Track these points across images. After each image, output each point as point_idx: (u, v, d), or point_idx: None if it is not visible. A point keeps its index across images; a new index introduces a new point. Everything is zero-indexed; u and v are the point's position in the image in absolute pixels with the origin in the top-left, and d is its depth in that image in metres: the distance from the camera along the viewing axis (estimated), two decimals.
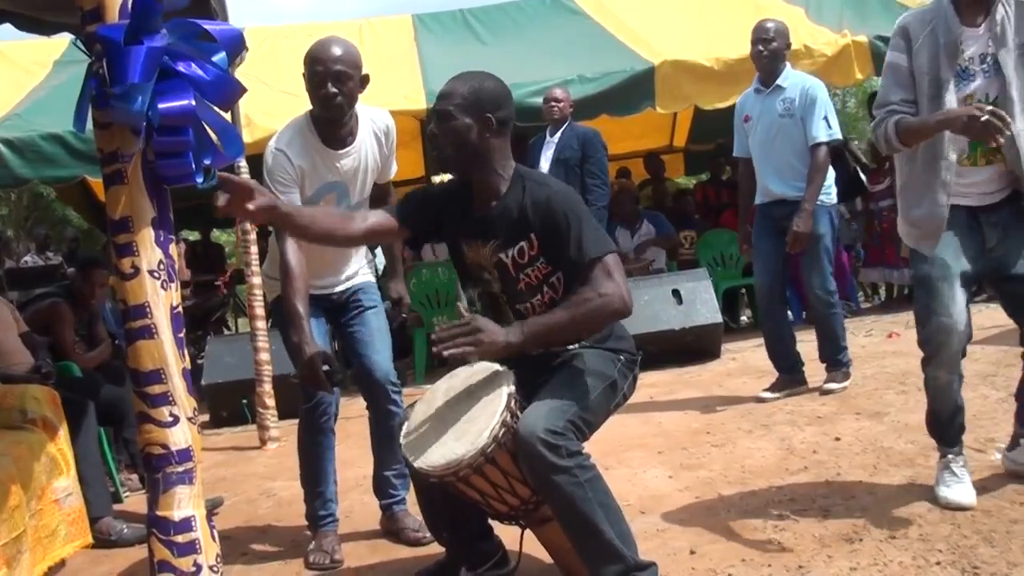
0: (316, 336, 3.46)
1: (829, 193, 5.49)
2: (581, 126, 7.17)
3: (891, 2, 9.23)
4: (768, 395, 5.45)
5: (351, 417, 5.35)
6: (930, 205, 3.29)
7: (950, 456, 3.41)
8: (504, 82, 2.99)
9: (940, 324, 3.24)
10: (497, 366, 2.89)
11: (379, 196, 3.94)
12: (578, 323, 2.77)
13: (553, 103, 7.06)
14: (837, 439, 4.41)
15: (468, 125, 2.86)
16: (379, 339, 3.82)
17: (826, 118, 5.33)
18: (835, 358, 5.50)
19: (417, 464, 2.75)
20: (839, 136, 5.48)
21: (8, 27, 4.51)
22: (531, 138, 7.36)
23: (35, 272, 10.60)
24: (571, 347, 2.96)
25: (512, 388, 2.79)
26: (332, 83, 3.49)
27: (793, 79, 5.47)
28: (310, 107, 3.66)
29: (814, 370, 5.58)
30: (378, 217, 3.05)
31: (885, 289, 10.49)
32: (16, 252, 14.53)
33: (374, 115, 3.81)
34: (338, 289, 3.87)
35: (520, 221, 2.88)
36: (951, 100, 3.24)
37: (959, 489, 3.33)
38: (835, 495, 3.66)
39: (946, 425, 3.44)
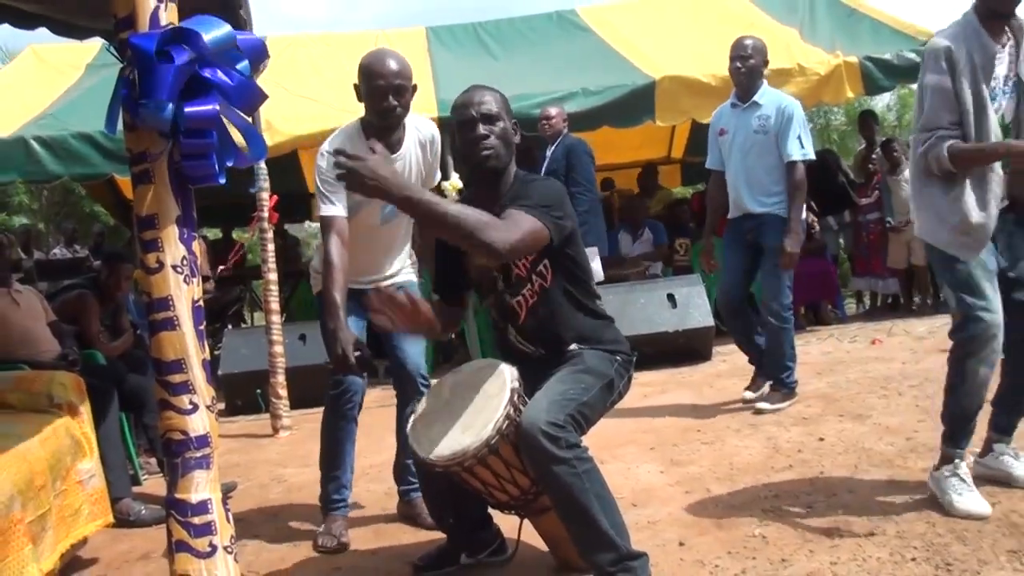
0: (353, 327, 3.51)
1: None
2: (571, 137, 7.18)
3: (881, 25, 9.24)
4: (751, 395, 5.41)
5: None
6: (985, 216, 3.24)
7: (956, 461, 3.34)
8: None
9: (991, 320, 3.20)
10: (502, 363, 2.91)
11: None
12: (451, 221, 2.60)
13: (544, 121, 7.10)
14: (821, 439, 4.42)
15: (509, 127, 2.98)
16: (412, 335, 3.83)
17: (800, 137, 5.23)
18: (778, 376, 5.28)
19: (423, 455, 2.77)
20: (812, 156, 5.34)
21: (43, 31, 4.53)
22: (536, 150, 7.38)
23: (63, 264, 10.63)
24: (572, 347, 2.98)
25: (516, 383, 2.80)
26: (393, 96, 3.53)
27: (769, 96, 5.37)
28: (361, 115, 3.71)
29: (805, 372, 5.58)
30: (446, 315, 3.16)
31: (870, 298, 10.49)
32: (46, 245, 14.56)
33: (419, 124, 3.85)
34: (382, 285, 3.88)
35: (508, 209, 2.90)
36: (992, 117, 3.22)
37: (972, 498, 3.25)
38: (818, 493, 3.66)
39: (966, 423, 3.37)
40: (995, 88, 3.25)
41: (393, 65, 3.54)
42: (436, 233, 2.93)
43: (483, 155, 2.92)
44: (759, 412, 5.09)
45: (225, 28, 2.33)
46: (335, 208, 3.55)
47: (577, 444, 2.69)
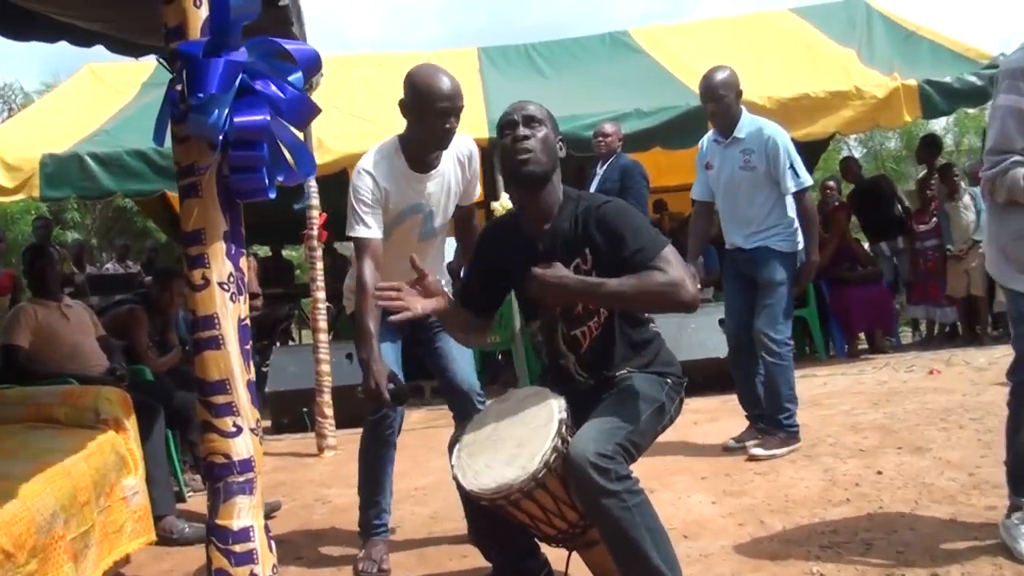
0: (388, 355, 3.47)
1: (792, 239, 5.11)
2: (626, 157, 7.10)
3: (940, 48, 9.13)
4: (735, 444, 5.15)
5: (404, 430, 5.32)
6: None
7: None
8: None
9: None
10: (548, 392, 2.82)
11: (464, 217, 3.96)
12: (641, 296, 2.66)
13: (600, 138, 7.01)
14: (879, 472, 4.28)
15: (553, 135, 2.89)
16: (460, 352, 3.77)
17: (792, 167, 4.99)
18: (776, 418, 4.98)
19: (468, 487, 2.68)
20: (809, 182, 5.11)
21: (100, 48, 4.59)
22: (588, 169, 7.32)
23: (115, 279, 10.75)
24: (620, 372, 2.89)
25: (564, 413, 2.71)
26: (455, 118, 3.48)
27: (750, 127, 5.09)
28: (399, 133, 3.64)
29: (860, 402, 5.44)
30: (477, 324, 3.11)
31: (926, 326, 10.28)
32: (99, 260, 14.75)
33: (457, 140, 3.75)
34: None
35: (574, 238, 2.83)
36: None
37: None
38: (877, 529, 3.55)
39: None
40: None
41: (452, 86, 3.47)
42: (626, 309, 2.86)
43: (520, 157, 2.80)
44: (753, 458, 4.83)
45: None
46: (370, 230, 3.48)
47: (628, 476, 2.60)
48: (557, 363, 2.98)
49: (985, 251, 3.38)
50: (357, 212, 3.48)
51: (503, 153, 2.88)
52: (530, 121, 2.84)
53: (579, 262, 2.82)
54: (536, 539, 2.95)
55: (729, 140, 5.13)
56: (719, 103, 5.10)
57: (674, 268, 2.66)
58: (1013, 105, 3.07)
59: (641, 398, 2.81)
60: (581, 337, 2.92)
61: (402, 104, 3.53)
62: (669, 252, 2.70)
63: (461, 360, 3.77)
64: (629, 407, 2.76)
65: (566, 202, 2.90)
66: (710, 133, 5.41)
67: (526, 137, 2.81)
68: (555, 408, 2.72)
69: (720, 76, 5.14)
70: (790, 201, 5.07)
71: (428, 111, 3.44)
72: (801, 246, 5.14)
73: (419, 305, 2.82)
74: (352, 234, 3.50)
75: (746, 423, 5.29)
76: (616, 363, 2.92)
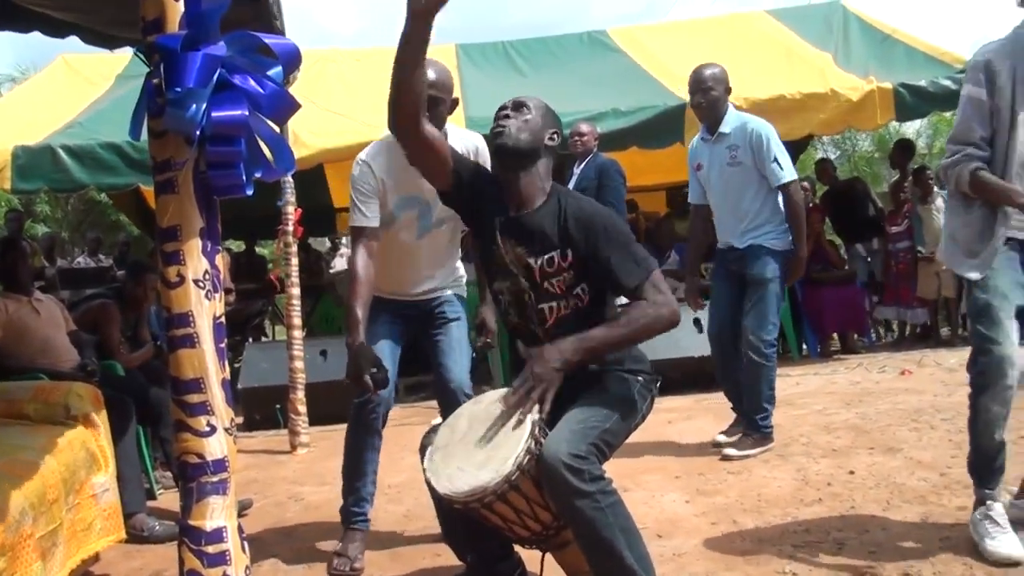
0: (383, 349, 3.53)
1: (784, 236, 5.11)
2: (603, 156, 7.09)
3: (915, 51, 9.18)
4: (724, 439, 5.16)
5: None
6: (989, 235, 3.18)
7: (988, 503, 3.23)
8: None
9: (1002, 354, 3.11)
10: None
11: None
12: (636, 336, 2.78)
13: (577, 137, 7.00)
14: (852, 472, 4.32)
15: (540, 124, 2.92)
16: (458, 350, 3.79)
17: (776, 160, 4.99)
18: (752, 417, 5.00)
19: (441, 490, 2.66)
20: (794, 176, 5.09)
21: (74, 39, 4.53)
22: (567, 167, 7.31)
23: (87, 273, 10.64)
24: (591, 368, 2.89)
25: (536, 415, 2.70)
26: (443, 107, 3.55)
27: (735, 123, 5.12)
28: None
29: (833, 402, 5.47)
30: (440, 139, 2.98)
31: (898, 327, 10.36)
32: (70, 254, 14.62)
33: (465, 136, 3.80)
34: (426, 296, 3.86)
35: (555, 234, 2.83)
36: (1020, 139, 3.13)
37: (1007, 541, 3.12)
38: (849, 529, 3.57)
39: (989, 462, 3.25)
40: None
41: (439, 75, 3.52)
42: (620, 350, 2.89)
43: (495, 131, 2.89)
44: (726, 458, 4.83)
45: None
46: (367, 219, 3.54)
47: (601, 476, 2.60)
48: (526, 326, 2.98)
49: (944, 248, 3.45)
50: (355, 201, 3.56)
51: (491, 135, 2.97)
52: (519, 106, 2.92)
53: (555, 256, 2.83)
54: (510, 541, 2.95)
55: (715, 136, 5.15)
56: (707, 95, 5.12)
57: (660, 296, 2.74)
58: (972, 95, 3.19)
59: (612, 397, 2.82)
60: (547, 312, 2.91)
61: None
62: (657, 277, 2.78)
63: (457, 357, 3.76)
64: (601, 406, 2.76)
65: (552, 196, 2.91)
66: (698, 134, 5.42)
67: (507, 116, 2.89)
68: (528, 410, 2.71)
69: (710, 70, 5.18)
70: (779, 199, 5.10)
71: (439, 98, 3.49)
72: (788, 245, 5.14)
73: None
74: (350, 222, 3.58)
75: (720, 423, 5.31)
76: None
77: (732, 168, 5.08)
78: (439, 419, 2.99)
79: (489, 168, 3.64)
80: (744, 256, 5.09)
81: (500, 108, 2.95)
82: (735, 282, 5.18)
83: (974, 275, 3.20)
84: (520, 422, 2.67)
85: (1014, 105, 3.12)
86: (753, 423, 5.00)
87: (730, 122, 5.13)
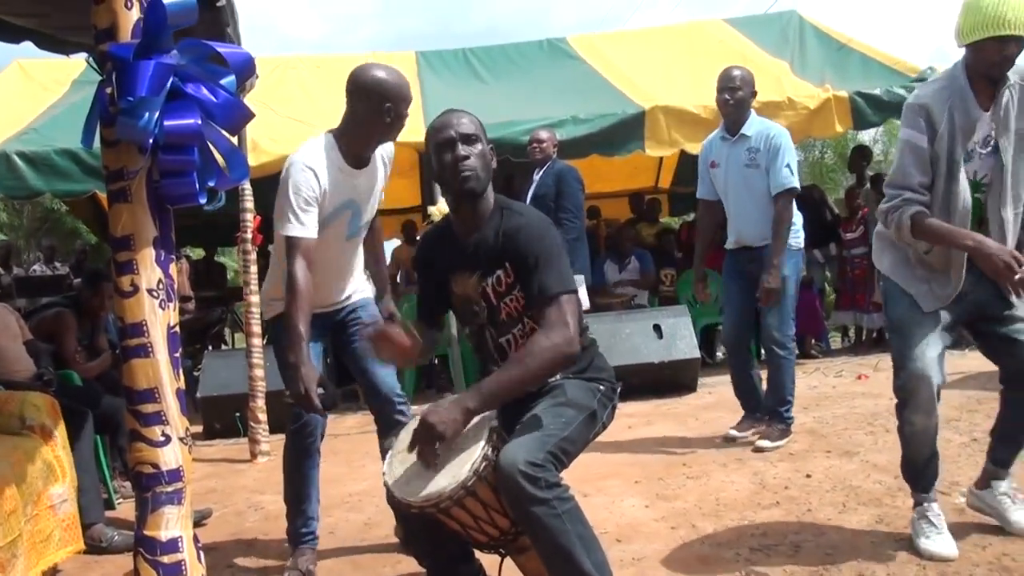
0: (312, 358, 3.36)
1: (797, 236, 5.29)
2: (561, 163, 7.12)
3: (871, 60, 9.28)
4: (736, 433, 5.33)
5: (338, 435, 5.30)
6: (954, 279, 3.22)
7: (925, 504, 3.32)
8: None
9: (914, 369, 3.16)
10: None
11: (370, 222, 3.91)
12: (531, 375, 2.69)
13: (536, 144, 7.03)
14: (808, 476, 4.35)
15: (486, 147, 2.89)
16: None
17: (788, 165, 5.13)
18: (776, 410, 5.18)
19: (399, 495, 2.65)
20: (796, 185, 5.20)
21: (29, 45, 4.49)
22: (519, 178, 7.33)
23: (43, 281, 10.52)
24: (553, 379, 2.88)
25: (494, 421, 2.71)
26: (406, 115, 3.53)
27: (757, 127, 5.25)
28: (328, 128, 3.61)
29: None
30: (426, 339, 3.02)
31: (855, 332, 10.46)
32: (26, 262, 14.43)
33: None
34: (341, 307, 3.80)
35: (496, 249, 2.84)
36: (963, 180, 3.16)
37: (940, 541, 3.22)
38: (805, 532, 3.60)
39: (921, 470, 3.33)
40: (972, 150, 3.20)
41: (391, 76, 3.51)
42: (521, 392, 2.79)
43: (463, 176, 2.82)
44: (759, 450, 4.97)
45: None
46: (306, 229, 3.35)
47: (557, 483, 2.59)
48: (488, 369, 2.98)
49: (879, 253, 3.51)
50: (294, 208, 3.34)
51: (441, 169, 2.88)
52: (467, 139, 2.85)
53: (501, 274, 2.84)
54: (469, 545, 2.95)
55: (736, 137, 5.25)
56: (734, 94, 5.22)
57: (557, 331, 2.68)
58: (911, 140, 3.19)
59: (572, 405, 2.80)
60: (507, 345, 2.93)
61: (358, 93, 3.49)
62: (565, 302, 2.72)
63: (381, 363, 3.69)
64: (560, 414, 2.75)
65: (494, 212, 2.90)
66: (715, 132, 5.50)
67: (467, 157, 2.82)
68: (486, 416, 2.71)
69: (739, 71, 5.33)
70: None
71: (387, 109, 3.46)
72: (801, 244, 5.32)
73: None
74: (287, 232, 3.34)
75: (679, 428, 5.34)
76: None
77: (749, 169, 5.20)
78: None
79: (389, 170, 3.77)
80: (761, 258, 5.17)
81: (446, 142, 2.87)
82: (746, 284, 5.26)
83: (924, 305, 3.25)
84: (478, 429, 2.67)
85: (953, 153, 3.14)
86: (778, 414, 5.16)
87: (753, 125, 5.25)
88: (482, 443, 2.62)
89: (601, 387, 2.94)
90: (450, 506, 2.60)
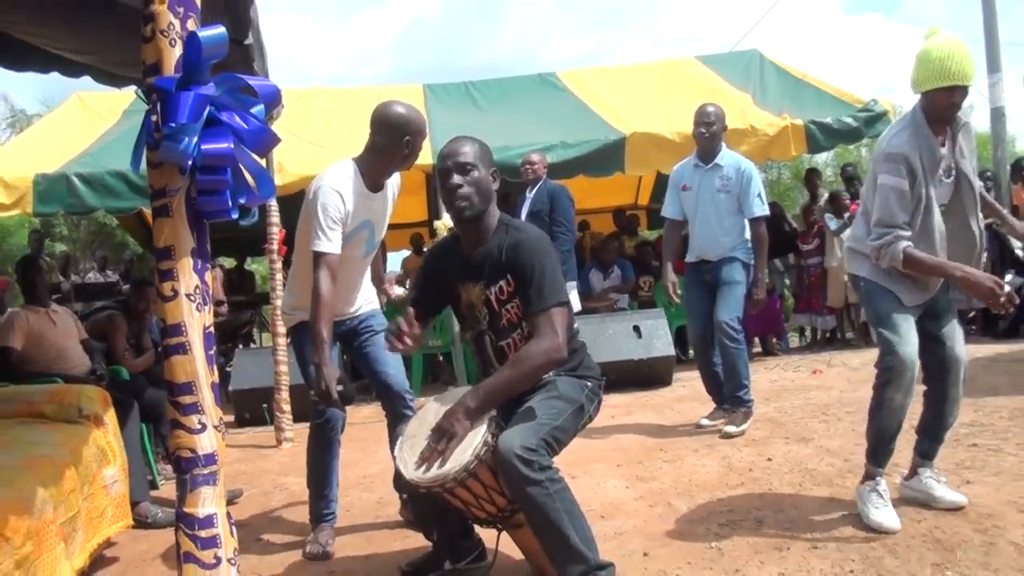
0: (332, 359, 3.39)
1: (749, 255, 5.30)
2: (552, 183, 7.12)
3: (823, 93, 9.30)
4: (706, 422, 5.29)
5: (353, 423, 5.26)
6: (932, 283, 3.30)
7: (877, 479, 3.34)
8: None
9: (904, 354, 3.18)
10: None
11: None
12: (524, 377, 2.74)
13: (528, 165, 7.02)
14: (770, 459, 4.34)
15: (485, 176, 2.88)
16: (391, 356, 3.70)
17: (760, 195, 5.23)
18: (736, 395, 5.16)
19: (408, 477, 2.66)
20: (767, 212, 5.35)
21: (87, 79, 4.61)
22: (515, 195, 7.33)
23: (96, 288, 10.55)
24: (547, 376, 2.88)
25: (493, 412, 2.72)
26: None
27: (729, 159, 5.31)
28: (352, 156, 3.58)
29: (754, 398, 5.49)
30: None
31: (811, 332, 10.47)
32: (82, 270, 14.40)
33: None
34: (356, 313, 3.78)
35: (500, 262, 2.84)
36: (936, 211, 3.23)
37: (886, 513, 3.24)
38: (767, 508, 3.59)
39: (887, 444, 3.34)
40: (938, 179, 3.26)
41: (408, 111, 3.51)
42: (516, 392, 2.80)
43: (459, 206, 2.85)
44: (727, 436, 4.94)
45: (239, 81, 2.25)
46: (333, 245, 3.34)
47: (549, 466, 2.60)
48: (487, 371, 2.98)
49: (851, 257, 3.53)
50: (323, 227, 3.33)
51: (443, 194, 2.91)
52: (463, 168, 2.85)
53: (503, 284, 2.85)
54: (470, 521, 2.94)
55: (710, 165, 5.29)
56: (709, 128, 5.27)
57: (547, 340, 2.71)
58: (895, 186, 3.20)
59: (563, 398, 2.81)
60: (506, 348, 2.92)
61: (381, 127, 3.48)
62: (555, 313, 2.74)
63: (392, 362, 3.71)
64: (552, 407, 2.76)
65: (498, 229, 2.91)
66: (688, 159, 5.51)
67: (460, 186, 2.84)
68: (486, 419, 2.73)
69: (714, 108, 5.38)
70: (746, 225, 5.27)
71: (407, 143, 3.47)
72: (752, 259, 5.31)
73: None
74: (316, 248, 3.34)
75: (657, 418, 5.33)
76: None
77: (721, 194, 5.24)
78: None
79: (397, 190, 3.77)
80: (718, 266, 5.23)
81: (444, 173, 2.87)
82: (706, 292, 5.29)
83: (906, 300, 3.29)
84: (480, 418, 2.69)
85: (927, 188, 3.20)
86: (738, 399, 5.14)
87: (725, 156, 5.31)
88: (483, 430, 2.64)
89: (589, 383, 2.95)
90: (454, 486, 2.61)
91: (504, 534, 2.97)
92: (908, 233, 3.21)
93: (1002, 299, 3.02)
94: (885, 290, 3.33)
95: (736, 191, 5.21)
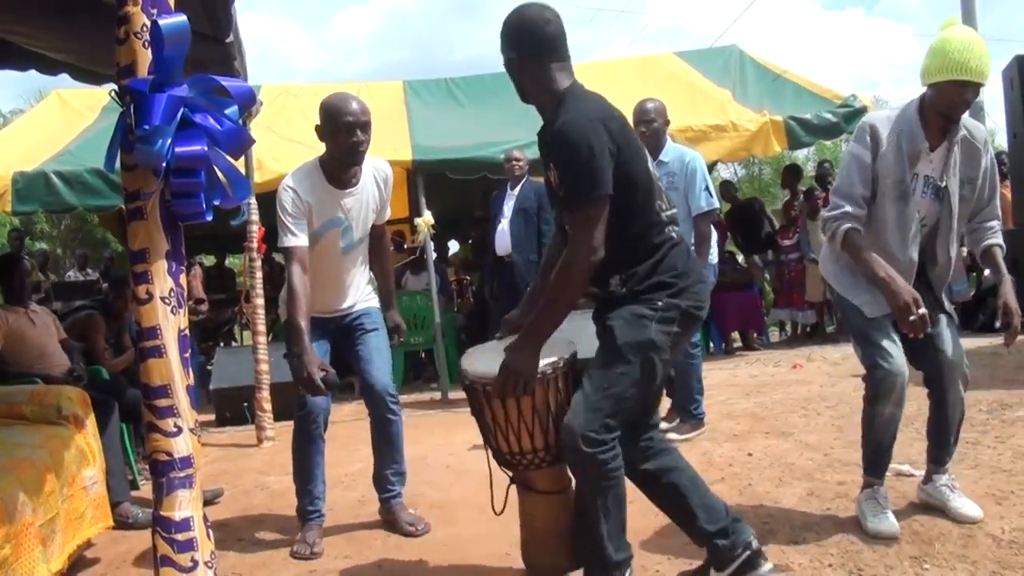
0: (318, 352, 3.43)
1: (713, 252, 5.21)
2: (538, 181, 7.10)
3: (802, 89, 9.33)
4: (664, 425, 5.09)
5: (337, 421, 5.23)
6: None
7: (875, 487, 3.28)
8: (525, 14, 2.67)
9: (889, 368, 3.06)
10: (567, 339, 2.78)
11: (376, 235, 3.89)
12: (561, 298, 2.53)
13: (514, 162, 7.00)
14: (750, 454, 4.36)
15: (510, 59, 2.71)
16: (379, 357, 3.72)
17: (707, 189, 5.02)
18: (687, 408, 5.06)
19: (463, 365, 2.76)
20: (717, 205, 5.13)
21: (65, 76, 4.61)
22: (494, 191, 7.31)
23: (76, 286, 10.49)
24: (613, 286, 2.63)
25: (568, 355, 2.72)
26: (361, 132, 3.49)
27: (673, 153, 5.11)
28: (319, 154, 3.63)
29: (735, 393, 5.53)
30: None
31: (791, 327, 10.52)
32: (62, 268, 14.31)
33: (377, 164, 3.77)
34: (345, 313, 3.79)
35: (544, 147, 2.70)
36: (913, 204, 3.11)
37: (884, 520, 3.18)
38: (747, 503, 3.61)
39: (883, 455, 3.28)
40: (915, 182, 3.13)
41: (357, 105, 3.52)
42: (564, 314, 2.58)
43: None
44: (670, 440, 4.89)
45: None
46: (297, 238, 3.45)
47: (607, 462, 2.56)
48: None
49: (825, 260, 3.44)
50: (284, 223, 3.46)
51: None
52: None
53: (551, 175, 2.64)
54: (491, 453, 2.90)
55: (655, 163, 5.13)
56: (649, 126, 5.08)
57: (574, 247, 2.48)
58: (856, 153, 3.14)
59: (621, 351, 2.57)
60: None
61: (318, 129, 3.56)
62: (588, 213, 2.47)
63: (378, 363, 3.71)
64: (608, 369, 2.58)
65: (560, 103, 2.63)
66: None
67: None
68: (563, 351, 2.73)
69: (652, 103, 5.19)
70: None
71: (339, 128, 3.48)
72: (715, 260, 5.20)
73: None
74: (282, 244, 3.48)
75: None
76: (608, 273, 2.62)
77: (669, 192, 5.05)
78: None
79: (391, 191, 3.80)
80: None
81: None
82: None
83: (868, 312, 3.17)
84: (561, 349, 2.72)
85: (903, 175, 3.09)
86: (687, 412, 5.06)
87: (670, 152, 5.13)
88: (557, 356, 2.67)
89: (658, 304, 2.58)
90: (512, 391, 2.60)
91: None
92: (860, 211, 3.11)
93: (912, 318, 2.90)
94: (852, 305, 3.23)
95: (682, 186, 5.00)
